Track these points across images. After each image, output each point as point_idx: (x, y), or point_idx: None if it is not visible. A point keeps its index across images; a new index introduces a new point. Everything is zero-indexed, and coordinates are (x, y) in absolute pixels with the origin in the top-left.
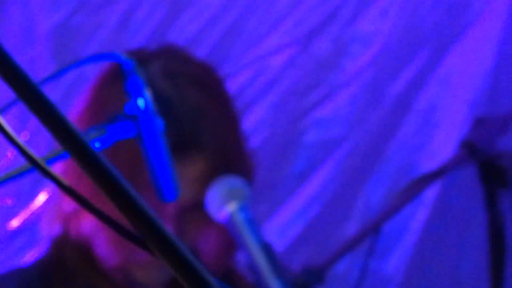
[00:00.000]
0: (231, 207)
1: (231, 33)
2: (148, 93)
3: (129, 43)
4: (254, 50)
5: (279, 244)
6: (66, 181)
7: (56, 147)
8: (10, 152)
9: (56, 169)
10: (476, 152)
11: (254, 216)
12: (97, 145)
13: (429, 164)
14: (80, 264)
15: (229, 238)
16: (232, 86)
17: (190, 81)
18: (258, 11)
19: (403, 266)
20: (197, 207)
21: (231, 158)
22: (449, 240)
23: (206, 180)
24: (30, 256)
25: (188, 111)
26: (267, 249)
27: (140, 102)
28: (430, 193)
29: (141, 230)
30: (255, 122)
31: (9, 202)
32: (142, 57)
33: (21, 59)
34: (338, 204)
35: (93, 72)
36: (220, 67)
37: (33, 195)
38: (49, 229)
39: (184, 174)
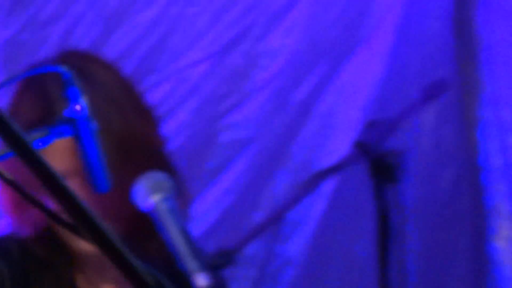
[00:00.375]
0: (155, 198)
1: (157, 47)
2: (83, 99)
3: None
4: (177, 63)
5: (197, 230)
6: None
7: (1, 146)
8: None
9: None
10: (367, 151)
11: (176, 206)
12: (38, 144)
13: (327, 161)
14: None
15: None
16: (158, 94)
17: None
18: (181, 28)
19: (304, 249)
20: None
21: (142, 151)
22: (343, 226)
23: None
24: None
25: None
26: (186, 234)
27: (77, 107)
28: (328, 186)
29: (74, 218)
30: (177, 125)
31: None
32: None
33: None
34: (247, 195)
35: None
36: (147, 77)
37: None
38: None
39: None
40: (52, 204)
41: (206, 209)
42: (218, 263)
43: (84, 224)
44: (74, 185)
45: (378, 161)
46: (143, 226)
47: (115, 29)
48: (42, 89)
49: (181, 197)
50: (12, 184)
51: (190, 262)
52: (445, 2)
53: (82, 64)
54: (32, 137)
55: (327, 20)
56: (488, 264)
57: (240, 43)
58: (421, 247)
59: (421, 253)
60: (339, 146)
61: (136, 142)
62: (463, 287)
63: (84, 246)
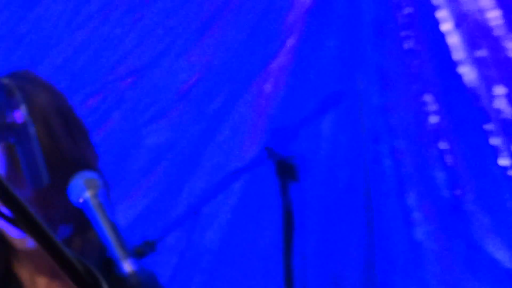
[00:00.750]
0: (88, 194)
1: (89, 63)
2: (24, 108)
3: None
4: (107, 77)
5: (124, 223)
6: None
7: None
8: None
9: None
10: (273, 154)
11: (106, 201)
12: None
13: (238, 163)
14: None
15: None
16: (90, 104)
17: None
18: (110, 47)
19: (218, 239)
20: None
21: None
22: (253, 219)
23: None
24: None
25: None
26: (114, 226)
27: (18, 115)
28: (239, 184)
29: (11, 211)
30: (107, 131)
31: None
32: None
33: None
34: (169, 192)
35: None
36: (81, 90)
37: None
38: None
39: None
40: None
41: (133, 204)
42: (142, 252)
43: (20, 217)
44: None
45: (282, 163)
46: (77, 220)
47: (53, 47)
48: None
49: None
50: None
51: (118, 250)
52: (343, 24)
53: (21, 82)
54: None
55: (238, 39)
56: (376, 251)
57: (162, 59)
58: (320, 237)
59: (320, 243)
60: (249, 150)
61: (62, 157)
62: (357, 273)
63: (21, 238)
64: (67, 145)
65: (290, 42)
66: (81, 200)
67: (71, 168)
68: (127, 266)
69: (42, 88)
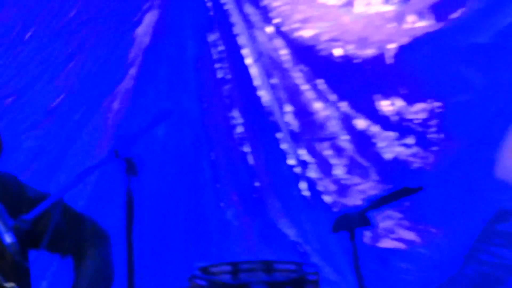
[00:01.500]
0: None
1: None
2: None
3: None
4: None
5: None
6: None
7: None
8: None
9: None
10: (119, 155)
11: None
12: None
13: (93, 161)
14: None
15: None
16: None
17: None
18: None
19: None
20: None
21: None
22: (103, 206)
23: None
24: None
25: None
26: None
27: None
28: (93, 178)
29: None
30: None
31: None
32: None
33: None
34: (41, 184)
35: None
36: None
37: None
38: None
39: None
40: None
41: None
42: (19, 227)
43: None
44: None
45: (126, 162)
46: None
47: None
48: None
49: None
50: None
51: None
52: (172, 58)
53: None
54: None
55: (94, 68)
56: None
57: (36, 83)
58: (155, 219)
59: (154, 224)
60: (101, 152)
61: None
62: (182, 246)
63: None
64: None
65: (132, 71)
66: None
67: None
68: (7, 238)
69: None
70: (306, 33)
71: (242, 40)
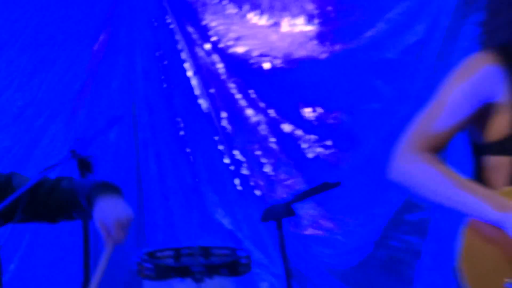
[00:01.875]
0: None
1: None
2: None
3: None
4: None
5: None
6: None
7: None
8: None
9: None
10: (76, 155)
11: None
12: None
13: (54, 160)
14: None
15: None
16: None
17: None
18: None
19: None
20: None
21: None
22: None
23: None
24: None
25: None
26: None
27: None
28: (54, 175)
29: None
30: None
31: None
32: None
33: None
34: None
35: None
36: None
37: None
38: None
39: None
40: None
41: None
42: None
43: None
44: None
45: (82, 161)
46: None
47: None
48: None
49: None
50: None
51: None
52: (123, 70)
53: None
54: None
55: (54, 85)
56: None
57: (5, 91)
58: None
59: None
60: (61, 152)
61: None
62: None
63: None
64: None
65: (89, 82)
66: None
67: None
68: None
69: None
70: (239, 49)
71: (184, 55)
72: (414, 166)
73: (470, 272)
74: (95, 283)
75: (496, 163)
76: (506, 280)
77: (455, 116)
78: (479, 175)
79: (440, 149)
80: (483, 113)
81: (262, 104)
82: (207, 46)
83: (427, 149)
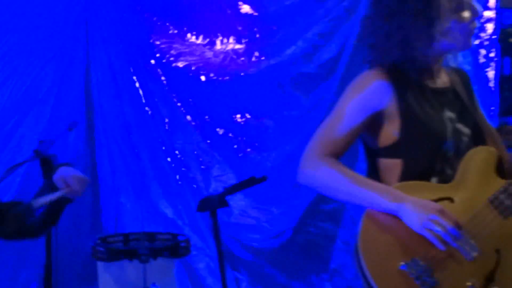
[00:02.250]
0: None
1: None
2: None
3: None
4: None
5: None
6: None
7: None
8: None
9: None
10: (40, 154)
11: None
12: None
13: (21, 159)
14: None
15: None
16: None
17: None
18: None
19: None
20: None
21: None
22: (30, 193)
23: None
24: None
25: None
26: None
27: None
28: (22, 171)
29: None
30: None
31: None
32: None
33: None
34: None
35: None
36: None
37: None
38: None
39: None
40: None
41: None
42: None
43: None
44: None
45: (45, 160)
46: None
47: None
48: None
49: None
50: None
51: None
52: (90, 79)
53: None
54: None
55: (20, 86)
56: (103, 211)
57: None
58: (66, 210)
59: (65, 213)
60: (27, 152)
61: None
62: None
63: None
64: None
65: (52, 92)
66: None
67: None
68: None
69: None
70: (179, 64)
71: (132, 69)
72: (318, 170)
73: (367, 255)
74: (38, 203)
75: (388, 165)
76: (401, 262)
77: (350, 123)
78: (374, 176)
79: (341, 153)
80: (375, 122)
81: (199, 111)
82: (152, 61)
83: (329, 154)
